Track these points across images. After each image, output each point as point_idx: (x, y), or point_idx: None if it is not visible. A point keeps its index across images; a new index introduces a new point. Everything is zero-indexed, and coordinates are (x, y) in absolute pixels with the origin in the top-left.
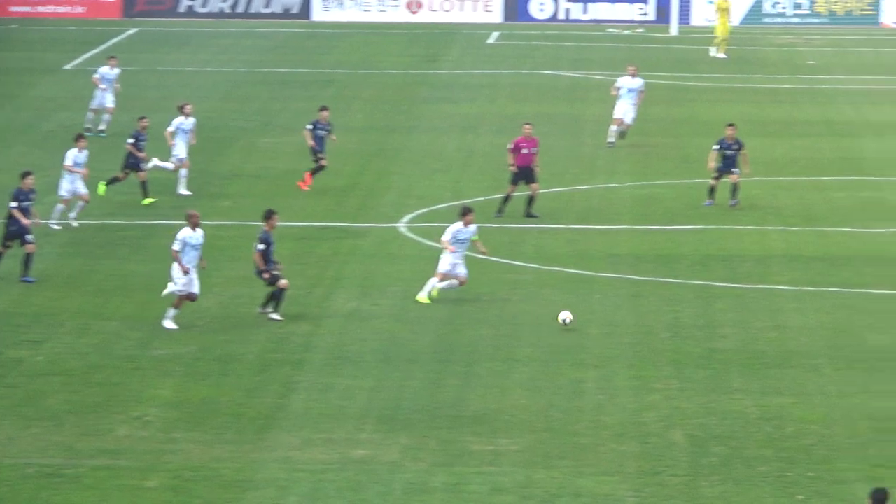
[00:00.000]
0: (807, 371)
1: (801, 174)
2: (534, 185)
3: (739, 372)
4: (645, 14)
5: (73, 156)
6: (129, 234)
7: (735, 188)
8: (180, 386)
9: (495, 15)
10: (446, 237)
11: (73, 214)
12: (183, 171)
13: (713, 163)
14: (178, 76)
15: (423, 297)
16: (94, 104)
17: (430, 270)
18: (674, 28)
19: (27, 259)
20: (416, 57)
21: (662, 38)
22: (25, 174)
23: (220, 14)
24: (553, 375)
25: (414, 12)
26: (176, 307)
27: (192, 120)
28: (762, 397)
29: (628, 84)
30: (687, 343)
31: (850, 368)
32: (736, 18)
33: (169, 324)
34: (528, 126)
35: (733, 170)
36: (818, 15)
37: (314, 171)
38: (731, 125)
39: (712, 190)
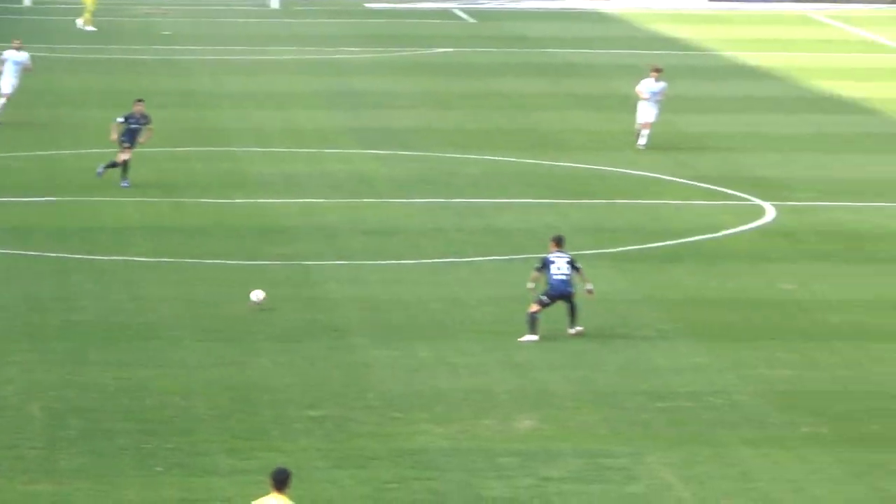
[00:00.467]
0: (167, 343)
1: (159, 145)
2: None
3: (98, 344)
4: None
5: None
6: None
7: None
8: None
9: None
10: None
11: None
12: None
13: (115, 135)
14: None
15: None
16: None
17: None
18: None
19: None
20: None
21: (17, 7)
22: None
23: None
24: None
25: None
26: None
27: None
28: (122, 369)
29: (13, 57)
30: (44, 316)
31: (209, 340)
32: None
33: None
34: None
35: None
36: None
37: (117, 166)
38: (140, 100)
39: (115, 165)
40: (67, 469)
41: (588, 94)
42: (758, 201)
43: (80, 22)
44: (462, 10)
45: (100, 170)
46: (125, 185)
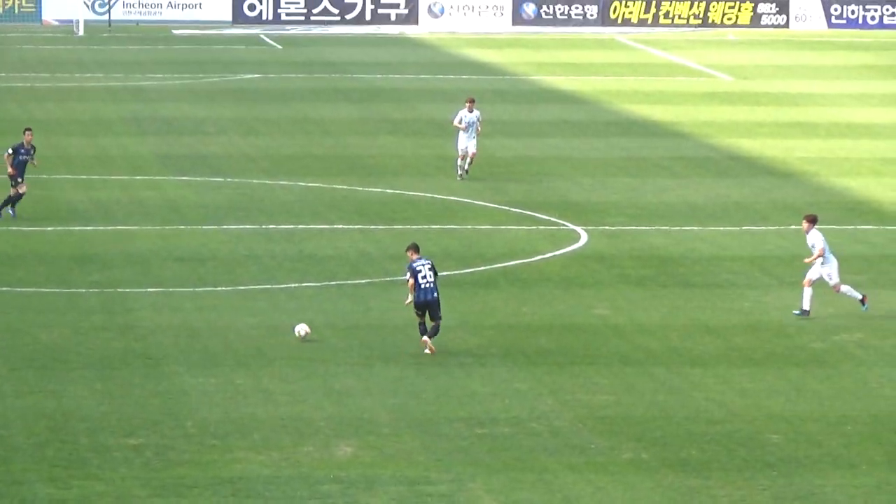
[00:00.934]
0: None
1: None
2: None
3: None
4: None
5: None
6: None
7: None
8: None
9: None
10: None
11: None
12: None
13: (11, 168)
14: None
15: None
16: None
17: None
18: None
19: None
20: None
21: None
22: None
23: None
24: None
25: None
26: None
27: None
28: None
29: None
30: None
31: (23, 368)
32: None
33: None
34: None
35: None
36: None
37: (14, 202)
38: (28, 129)
39: (16, 199)
40: None
41: (397, 119)
42: (571, 226)
43: None
44: (268, 36)
45: (10, 211)
46: (12, 214)
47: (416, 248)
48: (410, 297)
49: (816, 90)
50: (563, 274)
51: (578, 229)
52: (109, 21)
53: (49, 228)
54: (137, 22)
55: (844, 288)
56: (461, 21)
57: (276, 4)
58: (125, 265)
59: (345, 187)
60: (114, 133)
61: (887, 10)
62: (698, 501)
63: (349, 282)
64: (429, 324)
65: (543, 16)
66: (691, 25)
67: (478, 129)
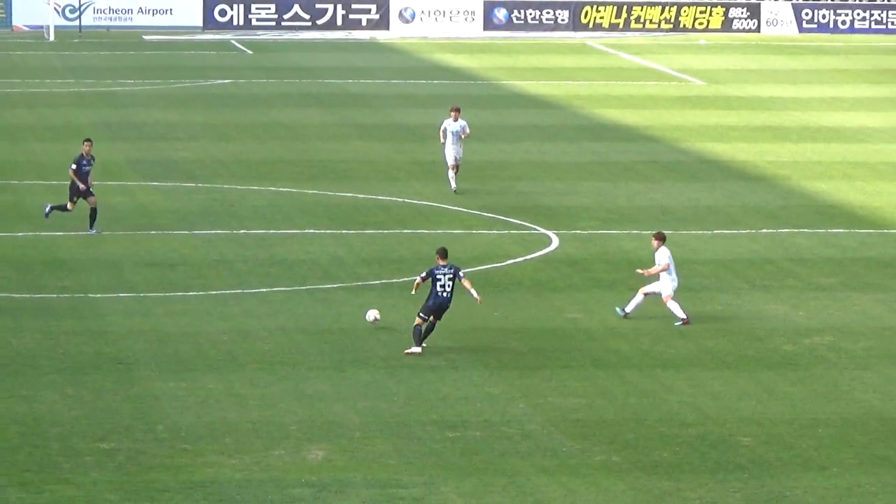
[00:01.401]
0: None
1: None
2: None
3: None
4: None
5: None
6: None
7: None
8: None
9: None
10: None
11: None
12: None
13: (81, 184)
14: None
15: None
16: None
17: None
18: None
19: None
20: None
21: None
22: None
23: None
24: None
25: None
26: None
27: None
28: None
29: None
30: None
31: None
32: None
33: None
34: None
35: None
36: None
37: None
38: (88, 140)
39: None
40: None
41: (368, 124)
42: (542, 230)
43: None
44: (239, 41)
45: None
46: (93, 232)
47: (443, 254)
48: (413, 292)
49: (788, 94)
50: (535, 278)
51: (550, 233)
52: (80, 27)
53: (20, 234)
54: (108, 28)
55: (672, 304)
56: (432, 26)
57: (247, 10)
58: (96, 270)
59: (316, 192)
60: (84, 139)
61: (858, 14)
62: (670, 503)
63: (320, 286)
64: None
65: (515, 21)
66: (662, 30)
67: (464, 134)
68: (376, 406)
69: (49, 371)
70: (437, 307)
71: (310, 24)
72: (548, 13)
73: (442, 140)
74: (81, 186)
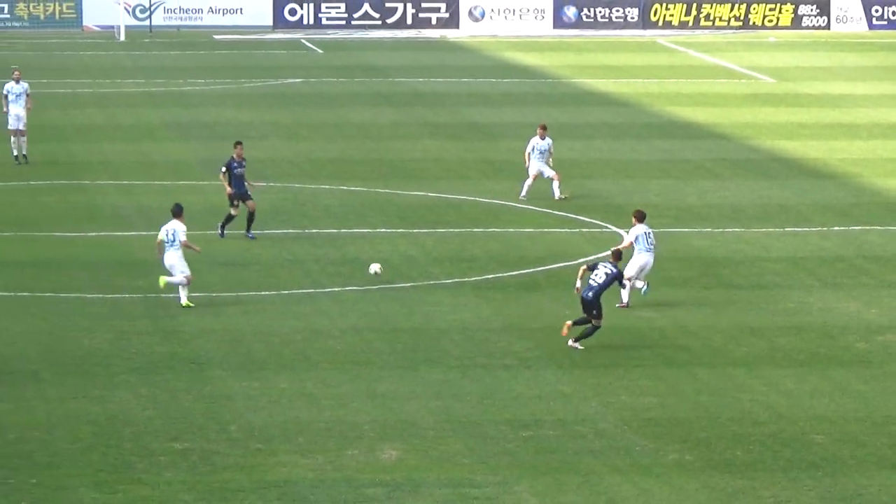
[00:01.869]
0: (25, 377)
1: (10, 179)
2: None
3: None
4: None
5: None
6: None
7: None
8: None
9: None
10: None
11: None
12: None
13: (229, 188)
14: None
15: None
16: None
17: None
18: None
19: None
20: None
21: None
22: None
23: None
24: None
25: None
26: None
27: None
28: None
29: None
30: None
31: (68, 373)
32: None
33: None
34: None
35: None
36: (19, 19)
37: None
38: (239, 143)
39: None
40: None
41: (438, 123)
42: (613, 228)
43: None
44: (309, 40)
45: (221, 233)
46: (251, 236)
47: (616, 255)
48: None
49: (858, 91)
50: None
51: (621, 232)
52: (150, 27)
53: (92, 234)
54: (178, 27)
55: (637, 283)
56: (502, 24)
57: (317, 9)
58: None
59: (387, 191)
60: (156, 138)
61: None
62: (743, 502)
63: (392, 285)
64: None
65: (584, 19)
66: (732, 27)
67: (550, 156)
68: (449, 405)
69: (122, 371)
70: (581, 298)
71: (380, 22)
72: (617, 11)
73: (527, 161)
74: (228, 190)
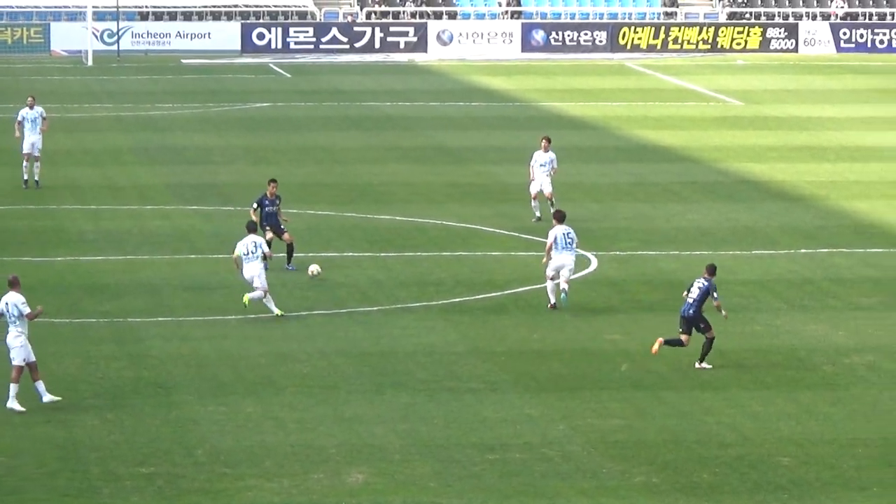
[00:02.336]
0: None
1: None
2: None
3: None
4: None
5: None
6: None
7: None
8: None
9: None
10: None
11: None
12: None
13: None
14: None
15: None
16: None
17: None
18: None
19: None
20: None
21: None
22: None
23: None
24: None
25: None
26: None
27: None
28: None
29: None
30: None
31: (34, 398)
32: None
33: None
34: None
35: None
36: None
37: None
38: (273, 181)
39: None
40: None
41: (406, 147)
42: (581, 251)
43: None
44: (277, 65)
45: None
46: (291, 268)
47: (710, 270)
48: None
49: (826, 114)
50: (574, 299)
51: (589, 255)
52: (118, 51)
53: (59, 259)
54: (146, 52)
55: (548, 284)
56: (470, 48)
57: (285, 33)
58: (135, 295)
59: (355, 215)
60: (123, 163)
61: None
62: None
63: (360, 309)
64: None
65: (552, 42)
66: (700, 51)
67: (553, 170)
68: (416, 429)
69: (88, 396)
70: (680, 316)
71: (348, 47)
72: (586, 34)
73: (530, 175)
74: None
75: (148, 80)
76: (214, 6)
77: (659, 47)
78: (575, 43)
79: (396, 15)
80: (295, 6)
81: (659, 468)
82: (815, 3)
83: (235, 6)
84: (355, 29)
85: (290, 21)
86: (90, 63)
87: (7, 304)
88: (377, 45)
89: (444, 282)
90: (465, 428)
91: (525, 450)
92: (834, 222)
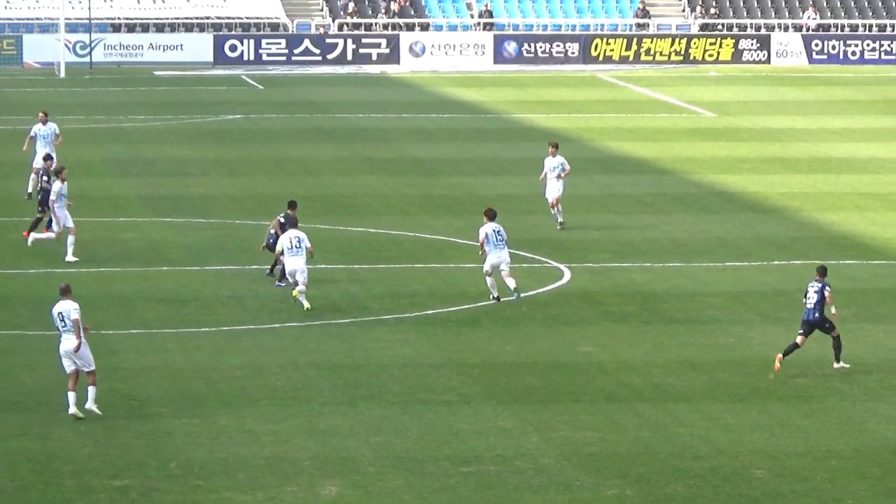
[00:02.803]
0: None
1: None
2: None
3: None
4: None
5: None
6: None
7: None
8: None
9: None
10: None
11: None
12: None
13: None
14: None
15: None
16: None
17: None
18: None
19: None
20: None
21: None
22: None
23: None
24: None
25: None
26: None
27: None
28: None
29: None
30: None
31: (7, 410)
32: None
33: None
34: None
35: None
36: None
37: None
38: (294, 203)
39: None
40: None
41: (379, 159)
42: (554, 263)
43: None
44: (250, 76)
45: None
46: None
47: (821, 272)
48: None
49: (798, 125)
50: (547, 311)
51: (562, 267)
52: (91, 63)
53: (31, 271)
54: (119, 64)
55: (487, 280)
56: (443, 60)
57: (258, 45)
58: (108, 307)
59: (327, 227)
60: (96, 174)
61: (868, 45)
62: None
63: (332, 321)
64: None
65: (525, 54)
66: (673, 62)
67: (563, 172)
68: (389, 441)
69: (62, 408)
70: (804, 321)
71: (320, 58)
72: (558, 46)
73: (542, 178)
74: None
75: (121, 92)
76: (187, 18)
77: (631, 59)
78: (547, 54)
79: (369, 27)
80: (267, 18)
81: (632, 481)
82: (787, 14)
83: (208, 18)
84: (328, 41)
85: (262, 33)
86: (63, 75)
87: (61, 312)
88: (350, 56)
89: (418, 294)
90: (439, 440)
91: (498, 462)
92: (807, 234)
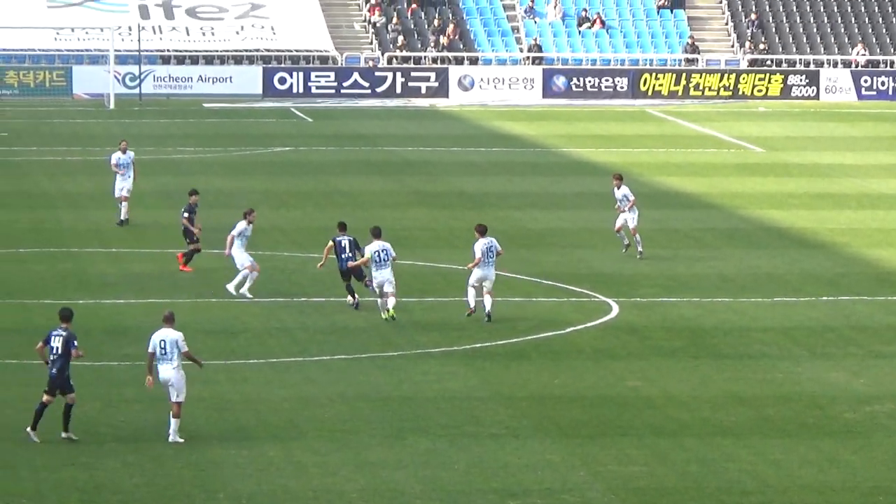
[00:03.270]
0: (14, 444)
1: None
2: None
3: None
4: None
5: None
6: None
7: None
8: None
9: None
10: None
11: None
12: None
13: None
14: None
15: None
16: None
17: None
18: None
19: None
20: None
21: None
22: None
23: None
24: None
25: None
26: None
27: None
28: None
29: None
30: None
31: (56, 441)
32: None
33: None
34: None
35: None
36: (8, 87)
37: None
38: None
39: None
40: None
41: (428, 192)
42: (602, 297)
43: None
44: (299, 109)
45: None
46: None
47: None
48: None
49: (847, 161)
50: (595, 346)
51: (610, 301)
52: (140, 94)
53: (80, 301)
54: (168, 96)
55: (472, 292)
56: (491, 93)
57: (307, 77)
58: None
59: None
60: (145, 206)
61: None
62: None
63: (381, 354)
64: None
65: (574, 88)
66: (721, 97)
67: (628, 203)
68: (437, 474)
69: (110, 439)
70: None
71: (369, 91)
72: (607, 80)
73: (617, 216)
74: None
75: (169, 124)
76: (236, 50)
77: (680, 94)
78: (596, 89)
79: (418, 60)
80: (317, 51)
81: None
82: (836, 50)
83: (257, 50)
84: (377, 74)
85: (311, 66)
86: (112, 106)
87: (163, 339)
88: (398, 89)
89: (466, 327)
90: (487, 473)
91: (546, 495)
92: (855, 269)
